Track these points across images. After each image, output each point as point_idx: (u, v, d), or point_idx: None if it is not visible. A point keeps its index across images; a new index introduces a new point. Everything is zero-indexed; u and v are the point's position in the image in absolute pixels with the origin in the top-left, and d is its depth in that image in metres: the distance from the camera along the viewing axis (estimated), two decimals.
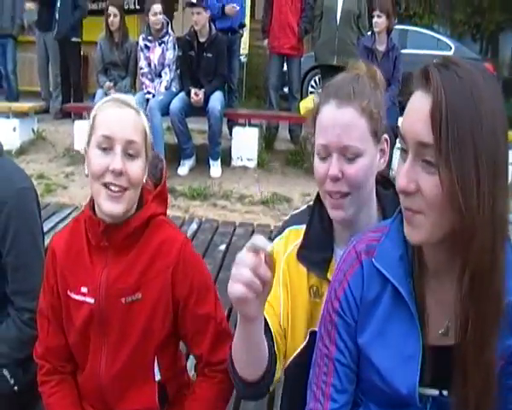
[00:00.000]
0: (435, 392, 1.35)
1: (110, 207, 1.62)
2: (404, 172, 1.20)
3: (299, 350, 1.66)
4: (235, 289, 1.24)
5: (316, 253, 1.64)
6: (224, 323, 1.79)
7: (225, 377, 1.71)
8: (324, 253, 1.64)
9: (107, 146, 1.61)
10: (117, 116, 1.65)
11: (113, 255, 1.72)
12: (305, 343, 1.65)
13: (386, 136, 1.60)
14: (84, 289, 1.73)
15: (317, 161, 1.57)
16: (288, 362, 1.68)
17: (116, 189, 1.61)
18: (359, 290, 1.38)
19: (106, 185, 1.61)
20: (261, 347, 1.46)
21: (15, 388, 2.10)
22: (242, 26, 8.13)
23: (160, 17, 7.09)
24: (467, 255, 1.17)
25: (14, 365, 2.09)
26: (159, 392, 1.79)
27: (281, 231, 1.78)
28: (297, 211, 1.86)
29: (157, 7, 7.07)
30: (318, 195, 1.66)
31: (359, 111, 1.51)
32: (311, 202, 1.74)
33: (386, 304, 1.36)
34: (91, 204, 1.72)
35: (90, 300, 1.72)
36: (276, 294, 1.63)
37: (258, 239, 1.25)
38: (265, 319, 1.54)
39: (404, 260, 1.34)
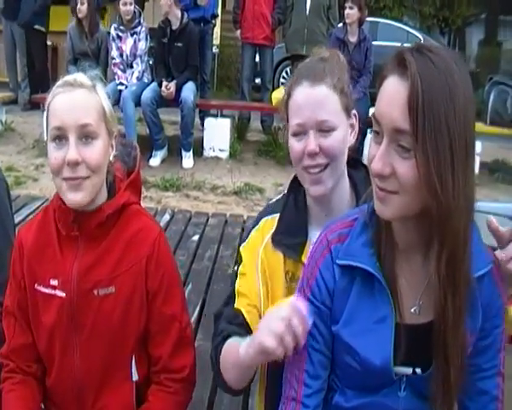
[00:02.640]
0: (409, 370, 1.38)
1: (72, 197, 1.55)
2: (379, 156, 1.22)
3: None
4: (267, 341, 1.26)
5: (290, 237, 1.66)
6: (188, 329, 1.75)
7: (181, 388, 1.71)
8: (299, 236, 1.66)
9: (60, 136, 1.53)
10: (66, 102, 1.56)
11: (85, 245, 1.65)
12: None
13: (354, 111, 1.65)
14: (53, 282, 1.65)
15: (292, 141, 1.61)
16: None
17: (76, 181, 1.54)
18: (330, 278, 1.40)
19: (65, 180, 1.54)
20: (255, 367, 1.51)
21: None
22: (215, 16, 8.10)
23: (131, 8, 7.02)
24: (443, 237, 1.21)
25: None
26: (136, 393, 1.73)
27: (256, 222, 1.79)
28: (272, 200, 1.87)
29: None
30: (292, 182, 1.70)
31: (331, 87, 1.57)
32: (285, 191, 1.76)
33: (357, 289, 1.38)
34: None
35: (61, 293, 1.64)
36: (254, 286, 1.65)
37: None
38: (244, 318, 1.58)
39: (367, 246, 1.36)
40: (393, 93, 1.20)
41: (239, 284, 1.67)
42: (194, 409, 2.22)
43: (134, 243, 1.66)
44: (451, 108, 1.15)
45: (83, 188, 1.55)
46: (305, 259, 1.60)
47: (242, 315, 1.60)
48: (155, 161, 6.97)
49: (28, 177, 6.50)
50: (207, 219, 4.91)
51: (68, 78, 1.61)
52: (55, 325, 1.66)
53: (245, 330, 1.57)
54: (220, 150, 7.30)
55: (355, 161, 1.72)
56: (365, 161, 1.38)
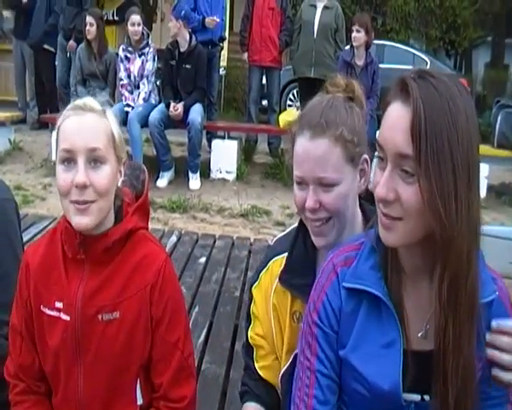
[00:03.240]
0: (417, 397, 1.36)
1: (78, 220, 1.54)
2: (383, 182, 1.23)
3: (282, 371, 1.71)
4: None
5: (298, 277, 1.65)
6: (190, 359, 1.74)
7: None
8: (306, 277, 1.64)
9: (69, 159, 1.53)
10: (76, 125, 1.56)
11: (90, 269, 1.64)
12: (287, 365, 1.69)
13: (365, 156, 1.59)
14: (58, 304, 1.64)
15: (295, 188, 1.59)
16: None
17: (84, 205, 1.54)
18: (337, 302, 1.39)
19: (73, 203, 1.54)
20: None
21: None
22: (222, 39, 8.15)
23: (139, 28, 7.09)
24: (446, 261, 1.21)
25: None
26: None
27: (265, 263, 1.79)
28: (281, 235, 1.86)
29: (135, 17, 7.07)
30: (301, 219, 1.68)
31: (333, 141, 1.51)
32: (295, 224, 1.75)
33: (364, 313, 1.38)
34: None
35: (66, 316, 1.63)
36: (269, 329, 1.72)
37: None
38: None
39: (375, 270, 1.36)
40: (396, 119, 1.21)
41: (254, 328, 1.80)
42: None
43: (139, 270, 1.65)
44: (454, 133, 1.17)
45: (89, 212, 1.54)
46: None
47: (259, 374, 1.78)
48: (162, 182, 6.99)
49: (36, 196, 6.53)
50: (214, 241, 4.90)
51: (79, 102, 1.61)
52: (59, 347, 1.65)
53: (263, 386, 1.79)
54: (227, 172, 7.32)
55: (372, 196, 1.69)
56: (372, 185, 1.39)
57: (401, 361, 1.34)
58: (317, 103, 1.58)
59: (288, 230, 1.82)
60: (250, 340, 1.82)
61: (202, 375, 2.88)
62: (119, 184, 1.65)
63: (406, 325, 1.34)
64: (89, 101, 1.61)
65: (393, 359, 1.34)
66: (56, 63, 8.82)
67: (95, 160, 1.54)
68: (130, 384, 1.69)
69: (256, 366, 1.80)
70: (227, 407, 2.65)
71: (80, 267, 1.65)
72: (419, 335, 1.34)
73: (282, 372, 1.71)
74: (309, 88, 7.73)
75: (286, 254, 1.71)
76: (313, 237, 1.61)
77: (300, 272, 1.65)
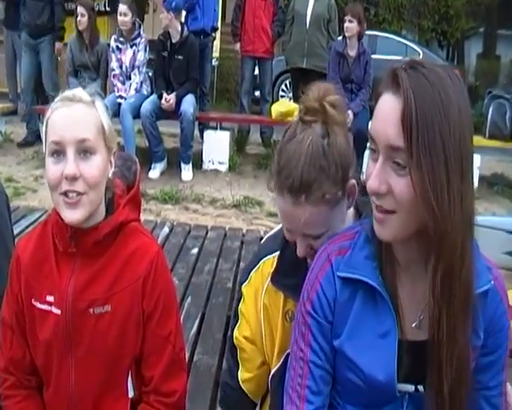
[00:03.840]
0: (411, 387, 1.37)
1: (69, 214, 1.52)
2: (375, 174, 1.22)
3: (273, 372, 1.71)
4: None
5: (290, 277, 1.63)
6: (182, 353, 1.74)
7: None
8: (298, 276, 1.61)
9: (59, 151, 1.50)
10: (64, 117, 1.53)
11: (82, 262, 1.62)
12: (278, 365, 1.68)
13: (352, 182, 1.51)
14: (49, 298, 1.62)
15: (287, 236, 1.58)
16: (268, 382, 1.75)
17: (73, 195, 1.50)
18: (332, 291, 1.39)
19: (64, 194, 1.51)
20: None
21: None
22: (215, 29, 8.11)
23: (126, 19, 7.00)
24: (439, 253, 1.21)
25: None
26: (132, 408, 1.71)
27: (254, 262, 1.78)
28: (270, 233, 1.84)
29: (122, 7, 7.00)
30: None
31: (317, 202, 1.44)
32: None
33: (359, 302, 1.37)
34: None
35: (57, 310, 1.62)
36: (258, 329, 1.71)
37: None
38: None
39: (370, 260, 1.35)
40: (387, 110, 1.20)
41: (241, 328, 1.79)
42: None
43: (131, 262, 1.64)
44: (446, 124, 1.16)
45: (80, 205, 1.52)
46: None
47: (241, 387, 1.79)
48: (154, 173, 6.96)
49: (27, 188, 6.50)
50: (207, 233, 4.90)
51: (67, 93, 1.59)
52: (51, 341, 1.64)
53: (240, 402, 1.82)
54: (219, 163, 7.30)
55: (363, 187, 1.67)
56: (363, 177, 1.37)
57: (396, 352, 1.33)
58: (296, 159, 1.43)
59: (277, 227, 1.79)
60: (235, 340, 1.81)
61: (195, 366, 2.89)
62: (110, 175, 1.62)
63: (401, 315, 1.33)
64: (78, 92, 1.59)
65: (389, 349, 1.34)
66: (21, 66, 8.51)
67: (84, 151, 1.51)
68: (122, 377, 1.68)
69: (239, 376, 1.80)
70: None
71: (71, 261, 1.63)
72: (413, 325, 1.34)
73: (272, 373, 1.71)
74: (301, 78, 7.73)
75: (277, 254, 1.69)
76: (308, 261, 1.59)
77: (292, 272, 1.63)
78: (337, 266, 1.38)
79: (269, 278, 1.68)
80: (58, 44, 7.78)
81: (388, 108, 1.20)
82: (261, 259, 1.75)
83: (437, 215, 1.16)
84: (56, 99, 1.58)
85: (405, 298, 1.34)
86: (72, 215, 1.52)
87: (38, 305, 1.64)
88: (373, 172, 1.23)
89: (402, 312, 1.33)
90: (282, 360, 1.67)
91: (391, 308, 1.33)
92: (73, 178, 1.49)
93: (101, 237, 1.60)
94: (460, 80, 1.23)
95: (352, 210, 1.63)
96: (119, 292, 1.62)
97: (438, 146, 1.15)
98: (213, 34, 8.10)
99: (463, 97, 1.21)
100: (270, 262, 1.71)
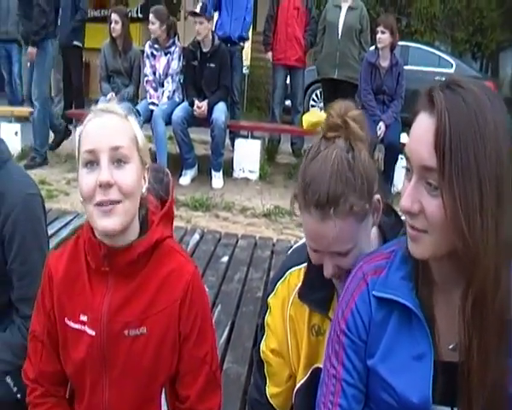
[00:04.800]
0: (447, 409, 1.34)
1: (103, 223, 1.49)
2: (407, 194, 1.22)
3: (298, 385, 1.70)
4: None
5: (317, 291, 1.63)
6: (218, 372, 1.74)
7: None
8: (325, 291, 1.63)
9: (92, 160, 1.49)
10: (98, 126, 1.52)
11: (115, 282, 1.60)
12: (305, 379, 1.68)
13: (377, 197, 1.51)
14: (83, 318, 1.62)
15: (309, 251, 1.56)
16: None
17: (109, 207, 1.48)
18: (367, 311, 1.38)
19: (97, 205, 1.48)
20: None
21: (18, 395, 2.05)
22: (243, 38, 8.10)
23: (154, 27, 7.08)
24: (471, 278, 1.18)
25: (18, 372, 2.07)
26: None
27: (281, 273, 1.78)
28: (298, 245, 1.84)
29: (150, 15, 7.14)
30: None
31: (344, 217, 1.43)
32: None
33: (394, 323, 1.36)
34: (91, 225, 1.59)
35: (91, 331, 1.61)
36: (284, 341, 1.71)
37: None
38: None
39: (407, 280, 1.34)
40: (422, 130, 1.19)
41: (267, 341, 1.79)
42: None
43: (167, 284, 1.62)
44: (481, 146, 1.13)
45: (115, 213, 1.49)
46: (331, 314, 1.60)
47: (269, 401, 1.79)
48: (185, 179, 7.00)
49: (60, 191, 6.57)
50: (237, 241, 4.90)
51: (101, 105, 1.60)
52: (85, 360, 1.63)
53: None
54: (250, 172, 7.31)
55: (387, 207, 1.65)
56: (395, 189, 1.37)
57: (431, 374, 1.31)
58: (322, 174, 1.43)
59: (304, 239, 1.73)
60: (262, 354, 1.81)
61: (224, 374, 2.88)
62: (144, 190, 1.60)
63: (437, 336, 1.32)
64: (111, 105, 1.60)
65: (424, 371, 1.32)
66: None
67: (118, 160, 1.50)
68: (156, 395, 1.69)
69: (267, 391, 1.80)
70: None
71: (104, 279, 1.61)
72: (450, 347, 1.32)
73: (297, 387, 1.70)
74: (332, 89, 7.72)
75: (303, 266, 1.68)
76: (334, 281, 1.59)
77: (319, 286, 1.62)
78: (373, 285, 1.37)
79: (295, 290, 1.68)
80: (31, 49, 7.27)
81: (423, 128, 1.19)
82: (287, 270, 1.75)
83: (468, 240, 1.14)
84: (89, 114, 1.58)
85: (442, 319, 1.32)
86: (106, 223, 1.49)
87: (72, 324, 1.64)
88: (406, 191, 1.22)
89: (438, 333, 1.32)
90: (308, 374, 1.67)
91: (426, 330, 1.31)
92: (108, 185, 1.47)
93: (135, 256, 1.57)
94: (499, 99, 1.21)
95: (375, 230, 1.62)
96: (154, 314, 1.60)
97: (472, 169, 1.13)
98: (241, 43, 8.06)
99: (503, 120, 1.18)
100: (296, 274, 1.71)
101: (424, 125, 1.19)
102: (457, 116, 1.14)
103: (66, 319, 1.64)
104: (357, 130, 1.45)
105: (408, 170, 1.24)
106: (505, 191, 1.17)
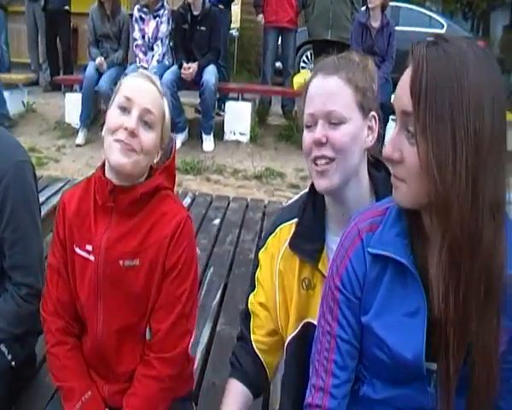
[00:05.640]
0: (436, 366, 1.34)
1: (118, 157, 1.65)
2: (389, 141, 1.23)
3: (289, 339, 1.71)
4: None
5: (308, 242, 1.65)
6: (191, 319, 1.81)
7: (167, 377, 1.77)
8: (316, 243, 1.65)
9: (126, 106, 1.67)
10: (141, 84, 1.72)
11: (117, 218, 1.75)
12: (295, 332, 1.69)
13: (374, 113, 1.61)
14: (88, 247, 1.76)
15: (305, 133, 1.60)
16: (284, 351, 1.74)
17: (127, 146, 1.65)
18: (362, 267, 1.38)
19: (117, 141, 1.65)
20: None
21: (13, 363, 2.08)
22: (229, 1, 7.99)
23: None
24: (444, 228, 1.18)
25: (12, 340, 2.08)
26: None
27: (273, 228, 1.79)
28: (289, 202, 1.87)
29: None
30: (311, 185, 1.67)
31: (344, 80, 1.56)
32: (303, 192, 1.76)
33: (389, 279, 1.36)
34: (103, 166, 1.76)
35: (92, 258, 1.75)
36: (272, 296, 1.72)
37: None
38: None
39: (401, 236, 1.33)
40: (404, 78, 1.20)
41: (256, 294, 1.80)
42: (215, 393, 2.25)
43: (160, 223, 1.75)
44: (458, 96, 1.13)
45: (130, 155, 1.66)
46: (321, 267, 1.62)
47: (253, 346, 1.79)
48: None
49: (50, 158, 6.55)
50: (228, 203, 4.90)
51: (147, 72, 1.82)
52: (89, 286, 1.77)
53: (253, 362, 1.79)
54: (241, 134, 7.30)
55: (376, 161, 1.68)
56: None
57: (425, 331, 1.32)
58: (331, 56, 1.65)
59: (295, 197, 1.82)
60: (249, 305, 1.82)
61: (218, 336, 2.90)
62: (155, 160, 1.77)
63: (431, 293, 1.31)
64: (155, 77, 1.78)
65: (417, 328, 1.32)
66: None
67: (145, 122, 1.68)
68: (143, 323, 1.79)
69: (252, 337, 1.80)
70: None
71: (108, 215, 1.76)
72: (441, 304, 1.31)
73: (288, 340, 1.71)
74: (324, 50, 7.62)
75: (294, 221, 1.71)
76: (316, 181, 1.60)
77: (310, 238, 1.66)
78: (368, 242, 1.37)
79: (285, 244, 1.70)
80: None
81: (405, 76, 1.20)
82: (278, 225, 1.77)
83: (439, 187, 1.14)
84: (137, 71, 1.81)
85: (436, 276, 1.31)
86: (120, 159, 1.65)
87: (79, 251, 1.78)
88: (389, 139, 1.23)
89: (432, 290, 1.31)
90: (299, 328, 1.68)
91: (420, 286, 1.31)
92: (132, 134, 1.65)
93: (137, 195, 1.73)
94: (488, 55, 1.20)
95: (367, 181, 1.65)
96: (147, 248, 1.74)
97: (446, 115, 1.13)
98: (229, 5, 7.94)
99: (488, 72, 1.17)
100: (287, 228, 1.73)
101: (406, 74, 1.20)
102: (435, 63, 1.15)
103: (74, 246, 1.79)
104: (373, 66, 1.67)
105: (395, 121, 1.25)
106: (486, 145, 1.15)
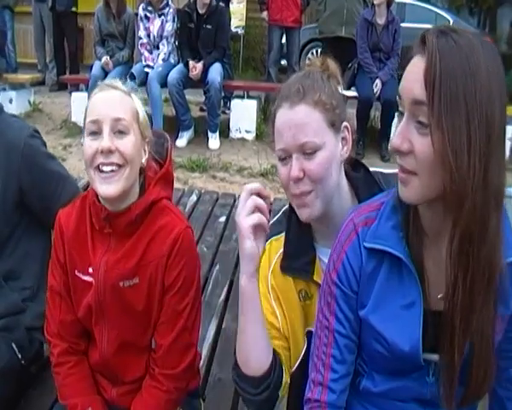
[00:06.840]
0: (436, 357, 1.36)
1: (104, 188, 1.61)
2: (398, 132, 1.22)
3: (302, 355, 1.67)
4: (252, 217, 1.45)
5: (298, 260, 1.64)
6: (194, 333, 1.80)
7: (174, 388, 1.77)
8: (306, 256, 1.64)
9: (95, 130, 1.61)
10: (102, 99, 1.66)
11: (116, 241, 1.73)
12: (306, 347, 1.66)
13: (346, 123, 1.58)
14: (91, 270, 1.74)
15: (279, 166, 1.56)
16: (293, 369, 1.69)
17: (108, 168, 1.60)
18: (358, 262, 1.39)
19: (98, 168, 1.61)
20: (261, 333, 1.53)
21: (22, 362, 2.10)
22: None
23: None
24: (457, 217, 1.18)
25: (21, 336, 2.10)
26: None
27: None
28: (273, 220, 1.79)
29: None
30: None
31: (312, 105, 1.50)
32: (285, 207, 1.74)
33: (385, 273, 1.37)
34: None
35: (92, 280, 1.74)
36: (271, 309, 1.66)
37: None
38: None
39: (397, 230, 1.35)
40: (413, 68, 1.20)
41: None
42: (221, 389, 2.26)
43: (157, 239, 1.72)
44: (472, 85, 1.14)
45: (115, 179, 1.61)
46: (316, 277, 1.61)
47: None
48: (182, 141, 6.99)
49: (56, 157, 6.53)
50: (234, 201, 4.88)
51: (106, 81, 1.73)
52: (90, 306, 1.76)
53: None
54: (246, 132, 7.31)
55: (354, 162, 1.67)
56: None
57: (421, 322, 1.33)
58: (294, 77, 1.59)
59: (275, 217, 1.77)
60: None
61: (223, 333, 2.91)
62: (144, 161, 1.72)
63: (427, 286, 1.33)
64: (114, 82, 1.72)
65: (413, 320, 1.34)
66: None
67: (119, 130, 1.62)
68: (147, 335, 1.80)
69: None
70: None
71: (106, 240, 1.73)
72: (439, 296, 1.33)
73: (301, 356, 1.66)
74: (334, 47, 7.61)
75: (282, 235, 1.68)
76: (298, 211, 1.57)
77: (300, 254, 1.64)
78: (363, 236, 1.38)
79: (275, 257, 1.68)
80: None
81: (414, 66, 1.20)
82: (267, 241, 1.70)
83: (455, 175, 1.14)
84: (96, 88, 1.70)
85: (432, 268, 1.33)
86: (106, 189, 1.61)
87: (82, 276, 1.76)
88: (397, 130, 1.23)
89: (428, 283, 1.33)
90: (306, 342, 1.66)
91: (416, 279, 1.33)
92: (109, 151, 1.59)
93: (133, 217, 1.69)
94: (493, 48, 1.21)
95: (346, 184, 1.63)
96: (146, 265, 1.71)
97: (461, 105, 1.13)
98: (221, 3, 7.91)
99: (495, 64, 1.18)
100: (275, 243, 1.70)
101: (415, 64, 1.19)
102: (448, 55, 1.15)
103: (76, 271, 1.77)
104: (334, 68, 1.62)
105: (401, 114, 1.24)
106: (495, 134, 1.17)
